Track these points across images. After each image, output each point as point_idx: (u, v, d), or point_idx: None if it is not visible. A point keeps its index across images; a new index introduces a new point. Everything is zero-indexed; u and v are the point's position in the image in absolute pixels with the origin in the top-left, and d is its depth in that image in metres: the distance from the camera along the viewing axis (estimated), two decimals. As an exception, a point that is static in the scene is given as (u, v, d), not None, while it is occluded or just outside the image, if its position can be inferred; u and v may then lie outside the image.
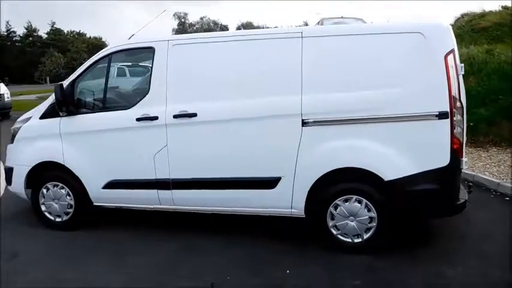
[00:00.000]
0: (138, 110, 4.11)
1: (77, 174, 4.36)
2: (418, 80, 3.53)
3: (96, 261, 3.88)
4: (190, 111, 3.94)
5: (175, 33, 30.20)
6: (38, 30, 59.57)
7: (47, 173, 4.54)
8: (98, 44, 54.34)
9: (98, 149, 4.28)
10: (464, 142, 3.70)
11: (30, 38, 58.93)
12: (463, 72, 3.64)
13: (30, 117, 4.64)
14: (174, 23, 68.96)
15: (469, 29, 13.35)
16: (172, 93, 4.02)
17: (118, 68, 12.49)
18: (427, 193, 3.59)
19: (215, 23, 69.77)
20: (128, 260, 3.87)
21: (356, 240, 3.82)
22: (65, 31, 60.74)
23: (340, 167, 3.70)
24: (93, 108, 4.44)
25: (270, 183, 3.88)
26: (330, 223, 3.84)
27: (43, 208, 4.61)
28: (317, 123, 3.71)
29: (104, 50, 4.36)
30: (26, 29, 58.76)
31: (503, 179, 5.72)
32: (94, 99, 4.49)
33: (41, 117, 4.51)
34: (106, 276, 3.61)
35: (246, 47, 3.92)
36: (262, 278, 3.52)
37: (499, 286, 3.39)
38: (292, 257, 3.82)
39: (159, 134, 4.04)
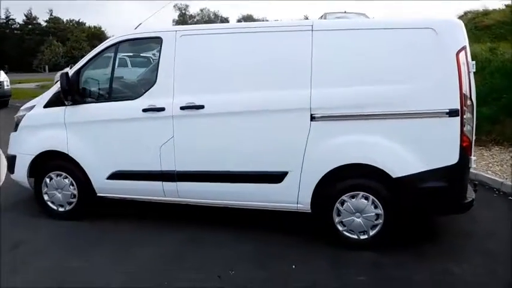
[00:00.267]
0: (144, 101, 4.06)
1: (81, 164, 4.33)
2: (428, 76, 3.50)
3: (101, 252, 3.86)
4: (198, 103, 3.90)
5: (175, 25, 29.98)
6: (38, 18, 59.15)
7: (50, 162, 4.51)
8: (97, 34, 54.05)
9: (102, 139, 4.24)
10: (473, 140, 3.68)
11: (30, 26, 58.47)
12: (474, 70, 3.61)
13: (34, 106, 4.59)
14: (175, 15, 68.63)
15: (472, 27, 13.29)
16: (180, 85, 3.98)
17: (120, 58, 12.41)
18: (435, 191, 3.57)
19: (215, 15, 69.47)
20: (133, 252, 3.85)
21: (362, 237, 3.80)
22: (64, 20, 60.31)
23: (348, 163, 3.67)
24: (99, 98, 4.40)
25: (276, 177, 3.85)
26: (336, 219, 3.82)
27: (46, 197, 4.58)
28: (326, 118, 3.68)
29: (110, 39, 4.31)
30: (26, 16, 58.32)
31: (506, 178, 5.71)
32: (99, 89, 4.45)
33: (46, 106, 4.46)
34: (111, 267, 3.59)
35: (255, 40, 3.88)
36: (267, 271, 3.51)
37: (505, 283, 3.38)
38: (298, 252, 3.80)
39: (166, 126, 4.00)
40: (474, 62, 3.64)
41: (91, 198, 4.47)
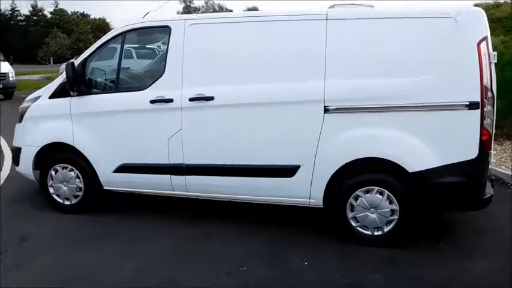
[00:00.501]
0: (152, 92, 3.95)
1: (87, 156, 4.23)
2: (448, 67, 3.36)
3: (108, 246, 3.77)
4: (207, 94, 3.78)
5: (181, 16, 29.56)
6: (44, 10, 59.07)
7: (56, 154, 4.41)
8: (102, 26, 53.86)
9: (109, 131, 4.14)
10: (493, 134, 3.55)
11: (35, 18, 58.41)
12: (495, 61, 3.46)
13: (39, 97, 4.48)
14: (180, 7, 68.29)
15: (483, 20, 13.03)
16: (189, 75, 3.86)
17: (125, 49, 12.29)
18: (453, 186, 3.45)
19: (220, 7, 69.05)
20: (141, 246, 3.76)
21: (376, 233, 3.68)
22: (69, 12, 60.19)
23: (363, 157, 3.55)
24: (105, 89, 4.29)
25: (288, 171, 3.74)
26: (350, 215, 3.71)
27: (51, 190, 4.49)
28: (340, 110, 3.55)
29: (117, 28, 4.18)
30: (32, 7, 58.25)
31: (519, 173, 5.57)
32: (106, 80, 4.34)
33: (51, 97, 4.36)
34: (118, 262, 3.50)
35: (267, 29, 3.75)
36: (279, 268, 3.41)
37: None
38: (309, 248, 3.70)
39: (174, 118, 3.89)
40: (495, 52, 3.49)
41: (97, 192, 4.37)
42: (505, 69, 8.23)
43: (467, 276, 3.30)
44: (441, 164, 3.40)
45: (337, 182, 3.68)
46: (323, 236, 3.90)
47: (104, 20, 59.07)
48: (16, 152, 4.59)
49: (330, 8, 4.06)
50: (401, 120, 3.46)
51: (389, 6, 3.69)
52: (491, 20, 12.65)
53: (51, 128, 4.34)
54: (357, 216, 3.69)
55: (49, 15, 58.48)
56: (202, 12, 65.01)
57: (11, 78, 14.99)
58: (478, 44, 3.31)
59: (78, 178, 4.36)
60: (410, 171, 3.45)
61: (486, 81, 3.32)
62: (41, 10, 59.07)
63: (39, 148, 4.37)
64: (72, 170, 4.36)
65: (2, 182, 5.47)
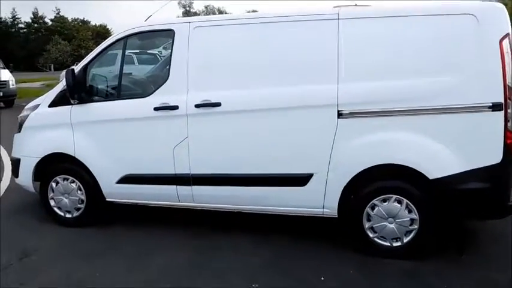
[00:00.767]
0: (156, 99, 3.77)
1: (88, 167, 4.05)
2: (469, 67, 3.17)
3: (112, 260, 3.59)
4: (214, 100, 3.60)
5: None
6: (45, 17, 59.17)
7: (56, 165, 4.23)
8: (102, 32, 53.90)
9: (112, 141, 3.97)
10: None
11: (35, 25, 58.53)
12: None
13: (39, 105, 4.31)
14: (179, 12, 68.36)
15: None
16: (194, 80, 3.68)
17: (126, 55, 12.15)
18: (477, 193, 3.25)
19: (220, 12, 69.07)
20: (147, 260, 3.58)
21: (395, 244, 3.48)
22: (69, 18, 60.26)
23: (379, 164, 3.36)
24: (107, 96, 4.12)
25: (300, 180, 3.55)
26: (366, 225, 3.51)
27: (52, 203, 4.30)
28: (355, 114, 3.37)
29: (118, 32, 4.00)
30: (33, 14, 58.35)
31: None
32: (107, 86, 4.16)
33: (50, 105, 4.18)
34: (125, 277, 3.33)
35: (276, 30, 3.57)
36: (294, 281, 3.22)
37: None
38: (324, 259, 3.51)
39: (179, 125, 3.71)
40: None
41: (100, 204, 4.19)
42: None
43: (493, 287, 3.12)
44: (463, 170, 3.21)
45: (353, 191, 3.49)
46: (338, 246, 3.71)
47: (105, 26, 59.18)
48: (15, 163, 4.41)
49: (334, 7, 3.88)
50: (420, 124, 3.28)
51: (393, 4, 3.51)
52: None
53: (51, 138, 4.16)
54: (374, 226, 3.50)
55: (50, 23, 58.58)
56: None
57: (11, 86, 14.85)
58: (500, 42, 3.12)
59: (80, 190, 4.18)
60: (430, 177, 3.26)
61: (510, 81, 3.13)
62: (42, 17, 59.21)
63: (39, 159, 4.19)
64: (73, 182, 4.19)
65: (1, 193, 5.30)
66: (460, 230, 4.06)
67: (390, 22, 3.36)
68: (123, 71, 4.06)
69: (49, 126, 4.17)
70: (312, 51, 3.46)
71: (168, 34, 3.85)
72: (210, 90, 3.65)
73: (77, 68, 4.04)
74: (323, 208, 3.59)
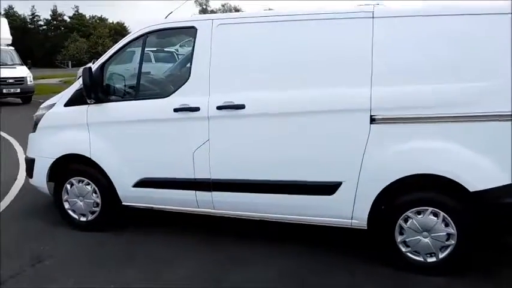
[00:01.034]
0: (176, 99, 3.58)
1: (104, 169, 3.88)
2: (510, 70, 2.90)
3: (128, 270, 3.41)
4: (237, 102, 3.40)
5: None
6: (64, 15, 59.84)
7: (71, 166, 4.08)
8: (119, 30, 54.25)
9: (129, 142, 3.79)
10: None
11: (55, 22, 59.24)
12: None
13: (54, 104, 4.16)
14: (196, 10, 68.43)
15: None
16: (217, 81, 3.48)
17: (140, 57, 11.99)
18: None
19: (236, 10, 68.95)
20: (164, 271, 3.39)
21: (429, 260, 3.24)
22: (87, 16, 60.83)
23: (415, 173, 3.11)
24: (125, 96, 3.93)
25: (328, 188, 3.32)
26: (399, 238, 3.27)
27: (66, 206, 4.15)
28: (389, 120, 3.13)
29: (137, 30, 3.81)
30: (52, 12, 59.07)
31: None
32: (125, 86, 3.98)
33: (66, 104, 4.03)
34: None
35: (305, 29, 3.34)
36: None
37: None
38: (355, 273, 3.29)
39: (200, 128, 3.52)
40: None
41: (115, 208, 4.02)
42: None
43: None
44: (508, 182, 2.95)
45: (384, 201, 3.25)
46: (369, 261, 3.46)
47: (122, 24, 59.54)
48: (30, 164, 4.27)
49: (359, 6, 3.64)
50: (461, 131, 3.02)
51: (429, 3, 3.26)
52: None
53: (67, 139, 4.01)
54: (407, 240, 3.26)
55: (68, 20, 59.24)
56: (218, 15, 64.91)
57: (29, 83, 14.90)
58: None
59: (95, 193, 4.01)
60: (471, 190, 3.00)
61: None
62: (61, 15, 59.87)
63: (54, 160, 4.04)
64: (88, 184, 4.03)
65: (16, 193, 5.19)
66: (495, 242, 3.79)
67: (428, 21, 3.11)
68: (142, 70, 3.87)
69: (65, 126, 4.02)
70: (343, 51, 3.23)
71: (189, 32, 3.65)
72: (233, 91, 3.44)
73: (94, 66, 3.88)
74: (351, 219, 3.36)
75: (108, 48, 3.98)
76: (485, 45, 2.98)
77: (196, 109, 3.51)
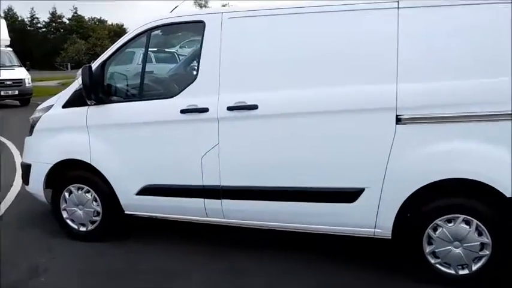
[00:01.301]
0: (183, 100, 3.32)
1: (106, 176, 3.61)
2: None
3: (132, 281, 3.18)
4: (250, 102, 3.13)
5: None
6: (63, 16, 59.60)
7: (70, 172, 3.81)
8: (118, 31, 53.96)
9: (132, 147, 3.52)
10: None
11: (54, 24, 59.03)
12: None
13: (52, 106, 3.89)
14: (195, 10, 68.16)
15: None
16: (227, 80, 3.22)
17: (143, 53, 11.73)
18: None
19: (236, 11, 68.56)
20: (168, 281, 3.17)
21: (461, 272, 2.96)
22: (86, 17, 60.59)
23: (445, 178, 2.85)
24: (127, 97, 3.68)
25: (349, 195, 3.06)
26: (427, 249, 3.00)
27: (65, 215, 3.88)
28: (416, 120, 2.86)
29: (140, 25, 3.54)
30: (51, 14, 58.83)
31: None
32: (128, 86, 3.72)
33: (64, 106, 3.76)
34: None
35: (322, 21, 3.08)
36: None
37: None
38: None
39: (209, 130, 3.26)
40: None
41: (117, 217, 3.75)
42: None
43: None
44: None
45: (411, 209, 2.99)
46: (394, 273, 3.20)
47: (121, 25, 59.26)
48: (26, 169, 4.01)
49: None
50: (495, 131, 2.75)
51: None
52: None
53: (65, 143, 3.75)
54: (436, 251, 2.98)
55: (67, 22, 59.01)
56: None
57: (27, 84, 14.65)
58: None
59: (96, 201, 3.75)
60: (508, 195, 2.74)
61: None
62: (60, 17, 59.62)
63: (52, 166, 3.78)
64: (88, 192, 3.76)
65: (12, 200, 4.92)
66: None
67: (456, 11, 2.83)
68: (146, 69, 3.60)
69: (63, 130, 3.75)
70: (366, 45, 2.97)
71: (197, 27, 3.37)
72: (246, 90, 3.18)
73: (94, 64, 3.61)
74: (374, 228, 3.09)
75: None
76: None
77: (205, 110, 3.24)
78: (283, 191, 3.21)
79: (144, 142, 3.48)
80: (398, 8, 2.90)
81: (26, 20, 58.24)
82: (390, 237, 3.10)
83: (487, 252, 2.89)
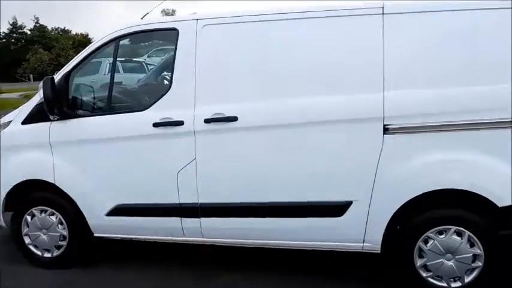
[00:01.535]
0: (155, 113, 3.09)
1: (72, 196, 3.33)
2: None
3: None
4: (229, 113, 2.94)
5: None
6: (25, 27, 57.66)
7: (32, 194, 3.50)
8: (83, 42, 52.68)
9: (101, 164, 3.26)
10: None
11: (15, 35, 57.03)
12: None
13: (11, 121, 3.57)
14: (162, 20, 67.37)
15: None
16: (203, 90, 3.02)
17: (110, 63, 11.35)
18: None
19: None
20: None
21: (454, 285, 2.84)
22: (49, 28, 58.88)
23: (437, 189, 2.73)
24: (94, 110, 3.41)
25: (335, 209, 2.90)
26: (418, 262, 2.87)
27: (27, 240, 3.55)
28: (404, 130, 2.74)
29: (108, 33, 3.29)
30: (12, 25, 56.80)
31: None
32: (95, 98, 3.45)
33: (24, 122, 3.45)
34: None
35: (303, 28, 2.93)
36: None
37: None
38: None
39: (185, 145, 3.04)
40: None
41: (86, 240, 3.46)
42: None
43: None
44: None
45: (401, 221, 2.86)
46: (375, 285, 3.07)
47: (86, 35, 57.91)
48: (-18, 192, 3.65)
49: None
50: (487, 140, 2.67)
51: None
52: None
53: (26, 162, 3.44)
54: (428, 264, 2.86)
55: (29, 32, 57.15)
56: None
57: (-14, 98, 13.92)
58: None
59: (61, 224, 3.44)
60: (500, 205, 2.65)
61: None
62: (22, 27, 57.66)
63: (11, 187, 3.45)
64: (53, 214, 3.45)
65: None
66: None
67: (444, 17, 2.74)
68: (114, 80, 3.35)
69: (23, 148, 3.44)
70: (350, 52, 2.83)
71: (169, 35, 3.16)
72: (224, 101, 2.99)
73: (57, 76, 3.33)
74: (363, 242, 2.95)
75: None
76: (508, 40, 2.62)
77: (180, 123, 3.03)
78: (267, 207, 3.02)
79: (114, 159, 3.22)
80: (383, 13, 2.78)
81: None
82: (379, 251, 2.97)
83: (480, 264, 2.79)
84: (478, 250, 2.77)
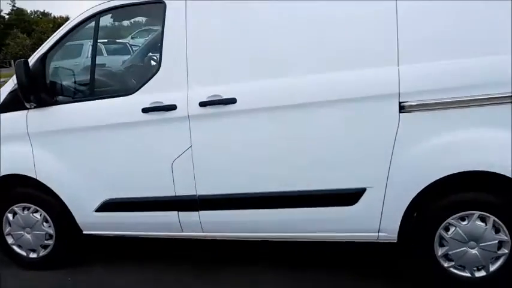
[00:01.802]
0: (144, 97, 2.78)
1: (56, 192, 3.04)
2: None
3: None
4: (226, 95, 2.64)
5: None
6: (1, 11, 55.92)
7: (12, 190, 3.20)
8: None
9: (86, 156, 2.96)
10: None
11: (-8, 20, 55.29)
12: None
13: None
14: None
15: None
16: (197, 70, 2.70)
17: (91, 45, 10.87)
18: None
19: None
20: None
21: (478, 274, 2.63)
22: (28, 11, 57.17)
23: (460, 171, 2.48)
24: (76, 96, 3.08)
25: (348, 197, 2.65)
26: (439, 251, 2.64)
27: (10, 240, 3.28)
28: (423, 106, 2.46)
29: (87, 8, 2.93)
30: (-14, 10, 55.01)
31: None
32: (76, 83, 3.12)
33: (-1, 111, 3.12)
34: None
35: (307, 1, 2.61)
36: None
37: None
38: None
39: (179, 131, 2.75)
40: None
41: (74, 238, 3.18)
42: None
43: None
44: None
45: (419, 207, 2.62)
46: (400, 280, 2.86)
47: (67, 18, 56.37)
48: (-43, 189, 3.33)
49: None
50: None
51: None
52: None
53: (3, 155, 3.12)
54: (450, 253, 2.63)
55: (6, 17, 55.42)
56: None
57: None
58: None
59: (47, 222, 3.16)
60: (528, 187, 2.41)
61: None
62: (-2, 11, 55.84)
63: (-12, 184, 3.15)
64: (37, 211, 3.16)
65: None
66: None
67: None
68: (96, 62, 3.02)
69: (-2, 140, 3.11)
70: (359, 23, 2.53)
71: (155, 9, 2.82)
72: (220, 82, 2.68)
73: (31, 59, 2.98)
74: (378, 232, 2.71)
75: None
76: None
77: (172, 107, 2.72)
78: (271, 197, 2.76)
79: (101, 149, 2.92)
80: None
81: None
82: (396, 241, 2.74)
83: (506, 251, 2.56)
84: (504, 236, 2.54)
